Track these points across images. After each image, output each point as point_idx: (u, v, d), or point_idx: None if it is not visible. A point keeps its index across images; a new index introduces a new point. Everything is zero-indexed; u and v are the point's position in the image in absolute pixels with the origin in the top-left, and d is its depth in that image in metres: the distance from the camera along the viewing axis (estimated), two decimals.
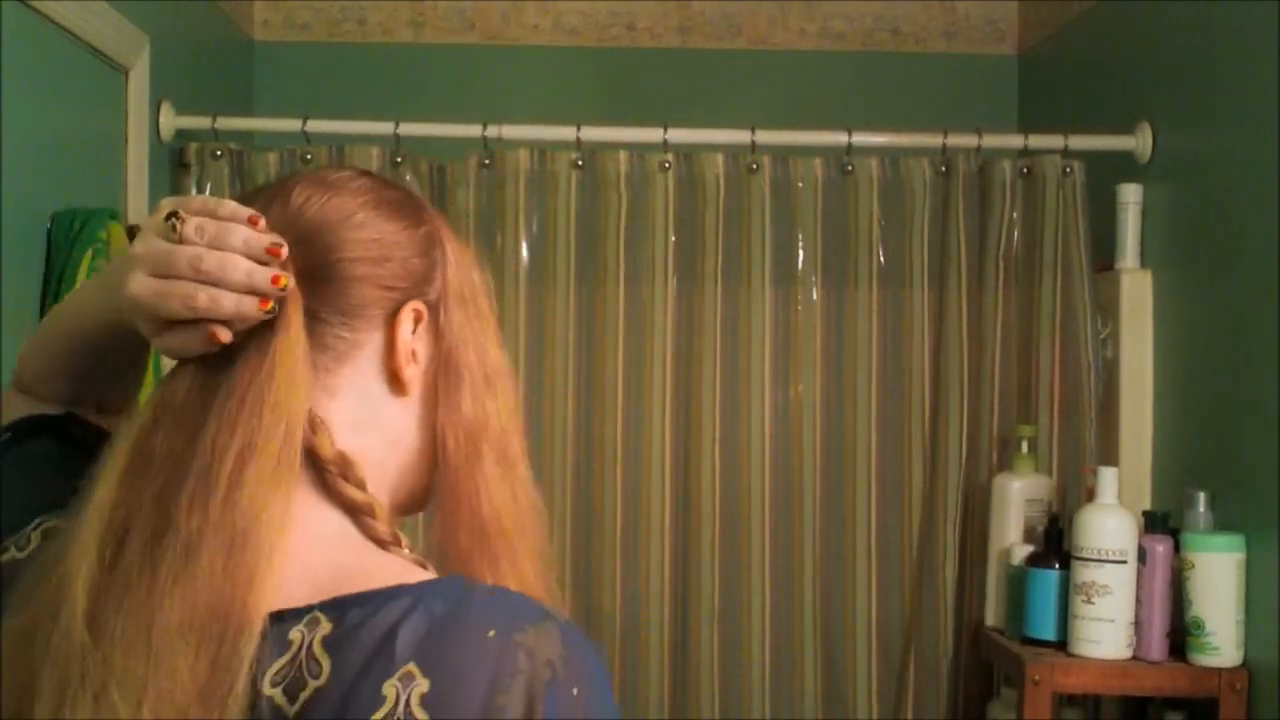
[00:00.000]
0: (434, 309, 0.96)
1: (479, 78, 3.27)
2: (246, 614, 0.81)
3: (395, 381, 0.94)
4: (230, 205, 0.89)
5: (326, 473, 0.90)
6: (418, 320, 0.94)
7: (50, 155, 2.08)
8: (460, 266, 0.98)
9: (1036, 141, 2.64)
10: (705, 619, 2.57)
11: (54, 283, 1.98)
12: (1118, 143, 2.58)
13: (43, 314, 1.99)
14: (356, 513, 0.90)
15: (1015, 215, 2.61)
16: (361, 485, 0.90)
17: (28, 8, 1.94)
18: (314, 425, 0.90)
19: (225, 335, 0.87)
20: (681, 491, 2.59)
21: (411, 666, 0.81)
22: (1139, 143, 2.55)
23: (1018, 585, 2.34)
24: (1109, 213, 2.56)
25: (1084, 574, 2.20)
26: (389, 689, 0.81)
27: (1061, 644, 2.24)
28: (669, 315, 2.59)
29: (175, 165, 2.57)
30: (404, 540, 0.92)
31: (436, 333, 0.96)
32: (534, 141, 2.60)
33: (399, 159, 2.56)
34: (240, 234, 0.88)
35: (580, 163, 2.58)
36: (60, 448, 1.03)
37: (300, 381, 0.87)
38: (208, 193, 2.56)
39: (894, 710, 2.60)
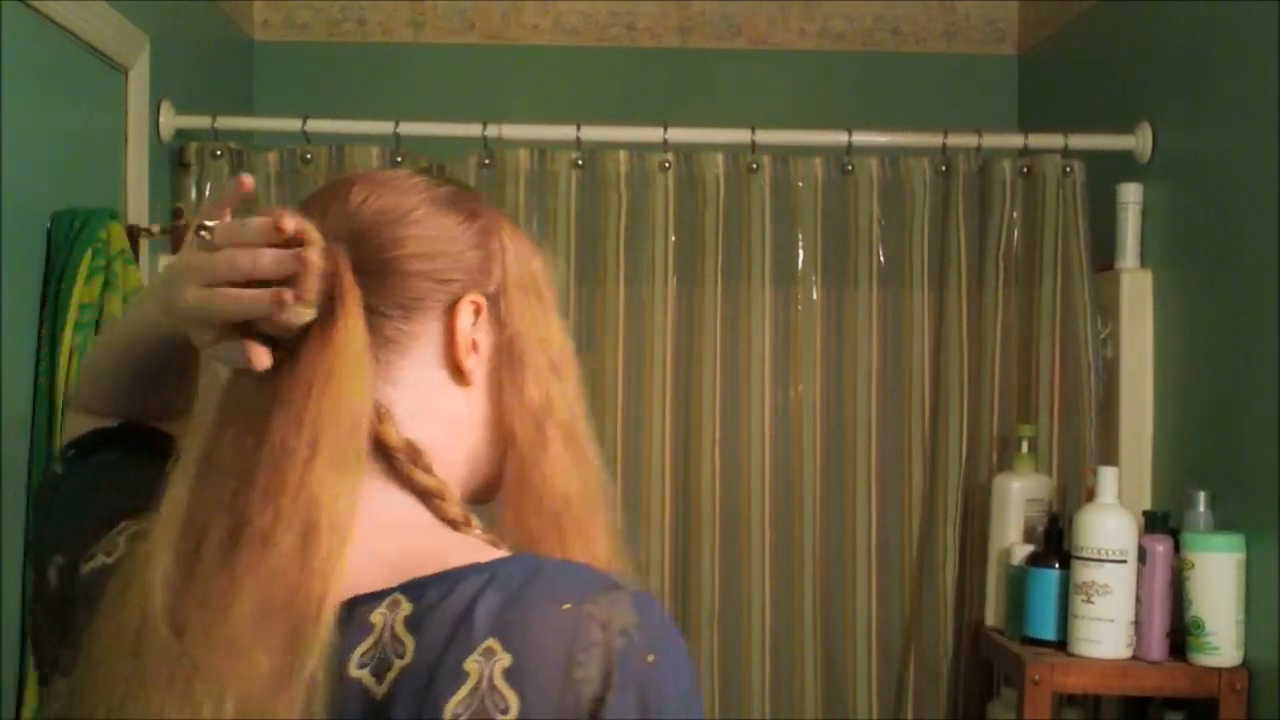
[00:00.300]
0: (494, 300, 0.98)
1: (479, 78, 3.27)
2: (321, 602, 0.83)
3: (457, 372, 0.96)
4: (253, 219, 0.92)
5: (395, 460, 0.92)
6: (477, 312, 0.96)
7: (50, 155, 2.08)
8: (519, 256, 1.00)
9: (1036, 141, 2.64)
10: (705, 619, 2.57)
11: (54, 282, 1.98)
12: (1118, 142, 2.58)
13: (43, 313, 1.99)
14: (428, 496, 0.93)
15: (1015, 215, 2.61)
16: (430, 470, 0.93)
17: (28, 7, 1.94)
18: (380, 415, 0.92)
19: (264, 360, 0.89)
20: (681, 491, 2.59)
21: (492, 642, 0.84)
22: (1139, 142, 2.55)
23: (1018, 585, 2.34)
24: (1109, 212, 2.56)
25: (1084, 574, 2.20)
26: (470, 665, 0.83)
27: (1061, 644, 2.24)
28: (669, 315, 2.59)
29: (175, 165, 2.57)
30: (475, 521, 0.94)
31: (498, 322, 0.98)
32: (534, 141, 2.60)
33: (399, 159, 2.56)
34: (261, 227, 0.90)
35: (580, 162, 2.58)
36: (128, 455, 1.06)
37: (362, 374, 0.89)
38: (207, 193, 2.56)
39: (894, 710, 2.60)
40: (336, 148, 2.57)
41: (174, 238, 2.48)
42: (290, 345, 0.89)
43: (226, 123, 2.57)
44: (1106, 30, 2.79)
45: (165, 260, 2.47)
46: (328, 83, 3.26)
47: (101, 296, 2.00)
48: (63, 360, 1.94)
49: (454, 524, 0.93)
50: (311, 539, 0.85)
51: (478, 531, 0.94)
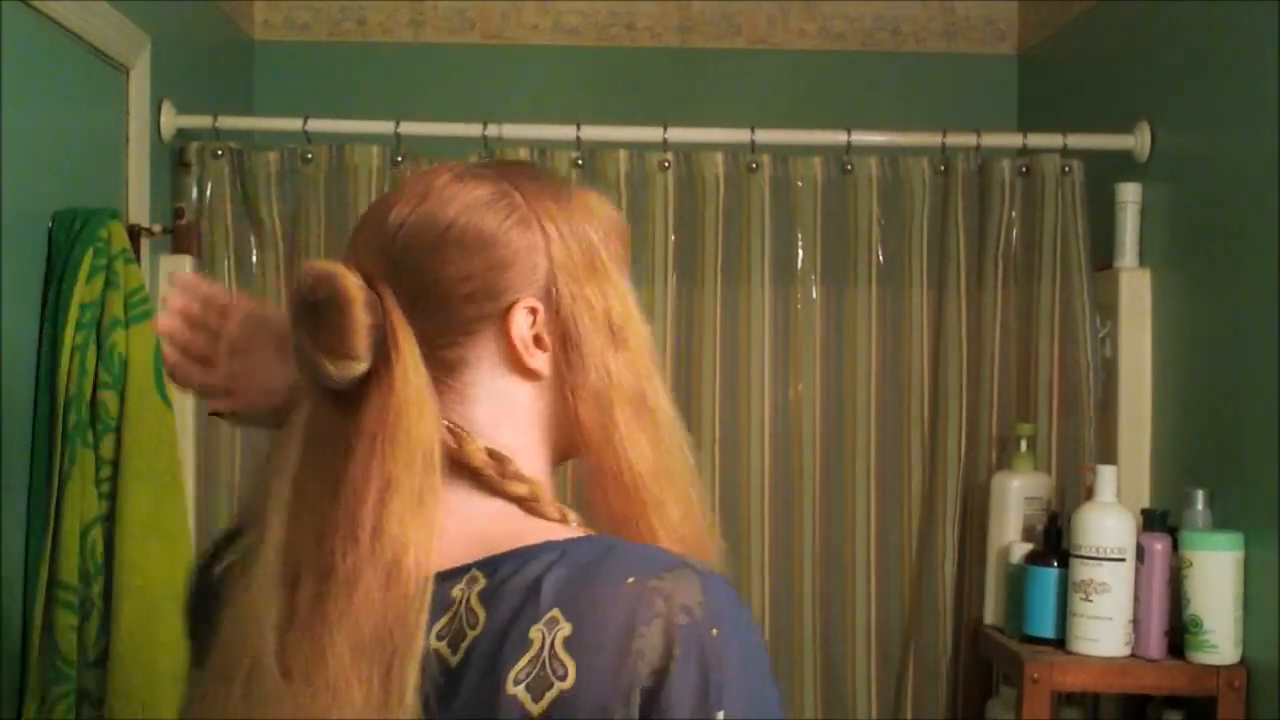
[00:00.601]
0: (545, 293, 0.98)
1: (479, 77, 3.27)
2: (408, 636, 0.88)
3: (527, 373, 0.98)
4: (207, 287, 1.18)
5: (483, 476, 0.95)
6: (533, 313, 0.97)
7: (51, 155, 2.08)
8: (564, 237, 0.99)
9: (1036, 141, 2.64)
10: None
11: (55, 282, 1.99)
12: (1117, 142, 2.58)
13: (43, 313, 1.99)
14: (523, 502, 0.96)
15: (1014, 214, 2.62)
16: (519, 476, 0.96)
17: (28, 7, 1.94)
18: (459, 437, 0.95)
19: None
20: None
21: (555, 612, 0.88)
22: (1138, 142, 2.55)
23: (1017, 583, 2.35)
24: (1108, 212, 2.56)
25: (1083, 572, 2.20)
26: (535, 633, 0.87)
27: (1060, 642, 2.25)
28: (669, 314, 2.59)
29: (176, 164, 2.57)
30: (571, 515, 0.97)
31: (553, 311, 0.98)
32: (534, 141, 2.61)
33: (399, 158, 2.56)
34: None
35: (580, 162, 2.59)
36: None
37: (424, 413, 0.92)
38: (208, 191, 2.57)
39: (893, 708, 2.61)
40: (337, 147, 2.58)
41: (175, 237, 2.49)
42: (355, 394, 0.93)
43: (227, 122, 2.58)
44: (1106, 30, 2.79)
45: (166, 260, 2.48)
46: (328, 82, 3.26)
47: (102, 296, 2.00)
48: (63, 360, 1.94)
49: (551, 521, 0.96)
50: (394, 578, 0.88)
51: (574, 524, 0.97)
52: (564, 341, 0.98)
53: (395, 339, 0.93)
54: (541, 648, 0.87)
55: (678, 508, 1.00)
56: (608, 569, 0.89)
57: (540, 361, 0.98)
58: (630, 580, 0.88)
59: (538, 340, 0.97)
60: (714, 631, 0.87)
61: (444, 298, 0.95)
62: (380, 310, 0.93)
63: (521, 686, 0.87)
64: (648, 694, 0.86)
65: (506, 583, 0.90)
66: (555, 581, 0.89)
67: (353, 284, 0.92)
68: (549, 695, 0.86)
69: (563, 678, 0.86)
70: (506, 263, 0.97)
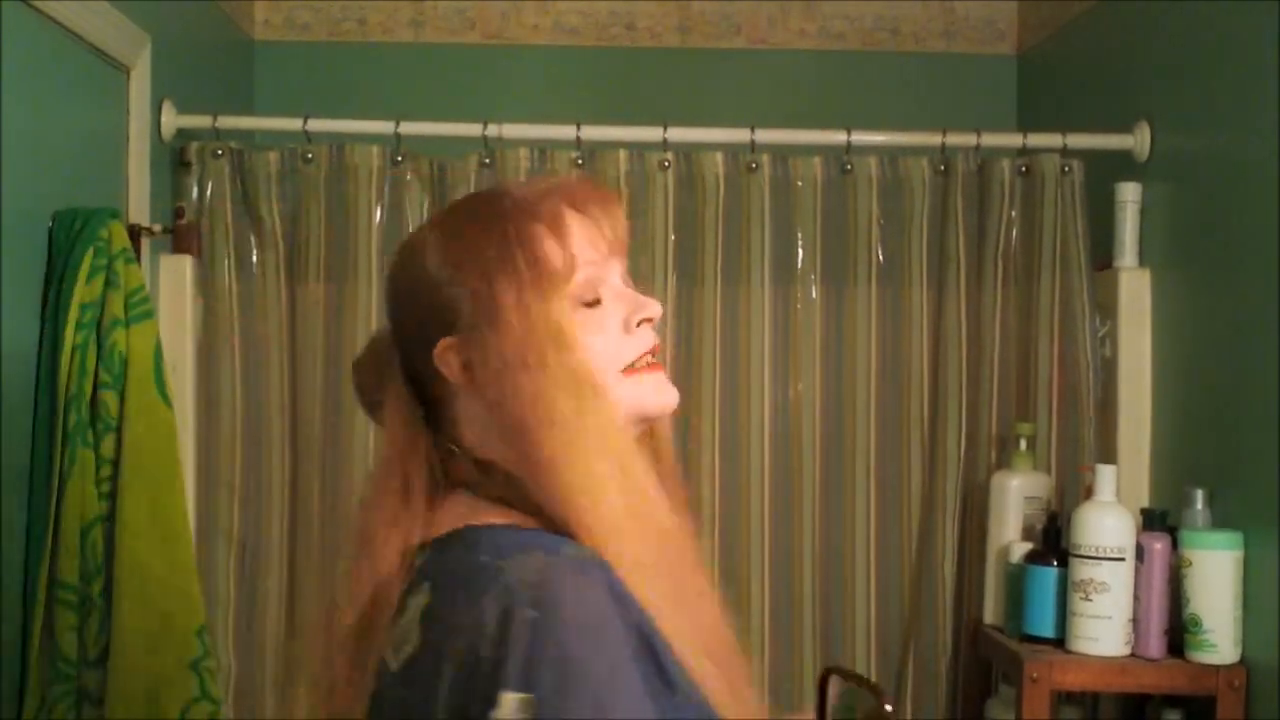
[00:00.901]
0: (468, 332, 1.08)
1: (479, 77, 3.27)
2: (389, 605, 1.05)
3: (481, 399, 1.08)
4: None
5: (478, 487, 1.08)
6: (452, 349, 1.08)
7: (52, 154, 2.08)
8: (485, 264, 1.08)
9: (1035, 140, 2.65)
10: None
11: (55, 282, 1.99)
12: (1116, 141, 2.58)
13: (44, 313, 1.99)
14: (506, 505, 1.07)
15: (1014, 214, 2.62)
16: (503, 483, 1.07)
17: (29, 7, 1.95)
18: (445, 455, 1.09)
19: None
20: None
21: (425, 584, 1.01)
22: (1137, 141, 2.55)
23: (1016, 583, 2.35)
24: (1107, 211, 2.56)
25: (1082, 571, 2.20)
26: (410, 600, 1.01)
27: (1060, 641, 2.25)
28: (668, 314, 2.59)
29: (176, 164, 2.57)
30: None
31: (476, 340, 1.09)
32: (534, 141, 2.61)
33: (399, 158, 2.57)
34: None
35: (580, 161, 2.59)
36: None
37: (402, 436, 1.10)
38: (209, 191, 2.57)
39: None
40: (337, 147, 2.58)
41: (175, 237, 2.49)
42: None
43: (227, 122, 2.58)
44: (1105, 30, 2.79)
45: (166, 260, 2.48)
46: (328, 82, 3.26)
47: (103, 296, 2.00)
48: (64, 359, 1.94)
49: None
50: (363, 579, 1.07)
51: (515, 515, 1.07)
52: (480, 372, 1.14)
53: (385, 385, 1.17)
54: (406, 613, 1.00)
55: (565, 477, 1.06)
56: (473, 549, 1.01)
57: (483, 386, 1.15)
58: (483, 559, 0.98)
59: (467, 374, 1.12)
60: (534, 613, 0.93)
61: (411, 341, 1.17)
62: (384, 352, 1.21)
63: (390, 646, 1.00)
64: (475, 664, 0.93)
65: (432, 558, 1.04)
66: (438, 560, 1.02)
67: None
68: (403, 655, 0.99)
69: (413, 641, 0.98)
70: (432, 301, 1.16)
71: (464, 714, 0.92)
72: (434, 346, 1.08)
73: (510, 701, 0.91)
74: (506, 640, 0.92)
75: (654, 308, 1.11)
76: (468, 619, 0.94)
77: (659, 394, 1.12)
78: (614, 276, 1.12)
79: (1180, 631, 2.18)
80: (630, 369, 1.10)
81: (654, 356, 1.12)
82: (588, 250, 1.09)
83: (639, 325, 1.11)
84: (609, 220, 1.11)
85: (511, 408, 1.05)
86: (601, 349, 1.08)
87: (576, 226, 1.09)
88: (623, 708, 0.91)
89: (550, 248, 1.07)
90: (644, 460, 1.10)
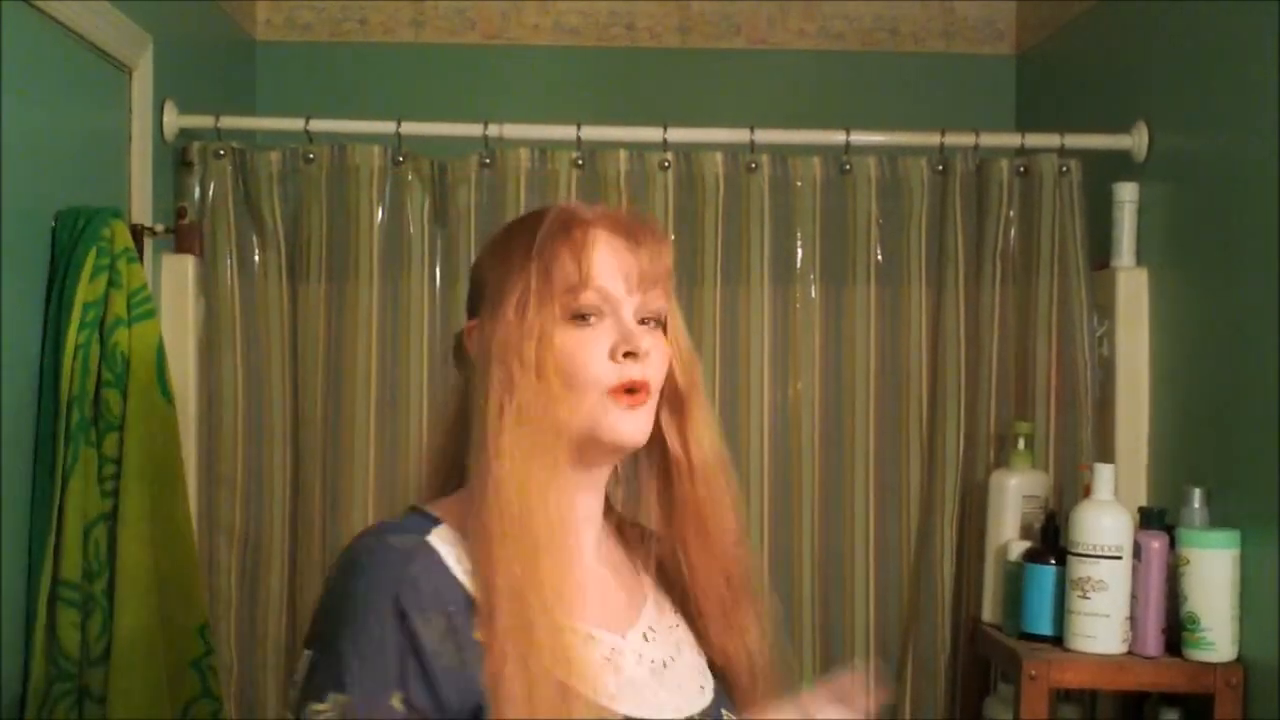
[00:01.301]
0: (481, 318, 1.21)
1: (479, 77, 3.28)
2: None
3: None
4: None
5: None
6: (470, 332, 1.22)
7: (54, 154, 2.09)
8: (496, 273, 1.21)
9: (1034, 140, 2.65)
10: None
11: (58, 281, 1.99)
12: (1114, 141, 2.59)
13: (46, 312, 2.00)
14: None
15: (1012, 214, 2.62)
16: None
17: (31, 7, 1.95)
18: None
19: None
20: None
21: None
22: (1135, 142, 2.56)
23: (1015, 581, 2.36)
24: (1105, 211, 2.57)
25: (1080, 570, 2.21)
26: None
27: (1058, 640, 2.25)
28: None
29: (178, 164, 2.58)
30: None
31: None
32: (534, 141, 2.61)
33: (400, 158, 2.57)
34: None
35: (580, 162, 2.60)
36: None
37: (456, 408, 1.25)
38: (211, 191, 2.57)
39: (891, 706, 2.61)
40: (338, 147, 2.59)
41: (177, 237, 2.50)
42: None
43: (229, 122, 2.59)
44: (1104, 30, 2.80)
45: (168, 259, 2.49)
46: (329, 82, 3.27)
47: (105, 295, 2.01)
48: (66, 359, 1.95)
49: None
50: None
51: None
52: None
53: None
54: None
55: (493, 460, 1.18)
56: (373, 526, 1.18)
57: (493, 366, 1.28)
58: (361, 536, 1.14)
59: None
60: (328, 577, 1.12)
61: None
62: None
63: None
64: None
65: None
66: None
67: None
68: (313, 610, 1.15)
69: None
70: (478, 292, 1.30)
71: None
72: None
73: (303, 657, 1.11)
74: (319, 601, 1.12)
75: (641, 344, 1.16)
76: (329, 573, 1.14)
77: (616, 424, 1.16)
78: (627, 309, 1.17)
79: (1178, 630, 2.18)
80: (609, 393, 1.15)
81: (633, 393, 1.15)
82: (607, 277, 1.16)
83: (624, 356, 1.15)
84: (648, 256, 1.17)
85: (480, 390, 1.15)
86: (582, 364, 1.15)
87: (607, 254, 1.16)
88: (357, 682, 1.07)
89: (566, 263, 1.15)
90: (572, 480, 1.17)
